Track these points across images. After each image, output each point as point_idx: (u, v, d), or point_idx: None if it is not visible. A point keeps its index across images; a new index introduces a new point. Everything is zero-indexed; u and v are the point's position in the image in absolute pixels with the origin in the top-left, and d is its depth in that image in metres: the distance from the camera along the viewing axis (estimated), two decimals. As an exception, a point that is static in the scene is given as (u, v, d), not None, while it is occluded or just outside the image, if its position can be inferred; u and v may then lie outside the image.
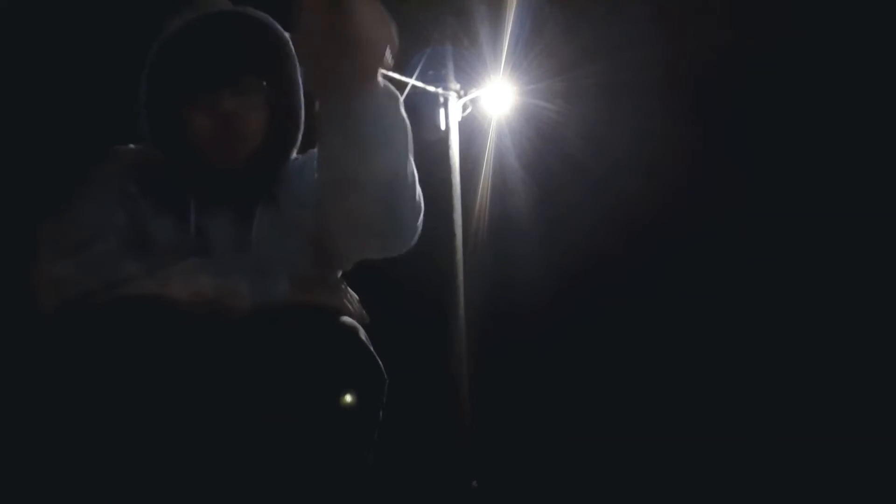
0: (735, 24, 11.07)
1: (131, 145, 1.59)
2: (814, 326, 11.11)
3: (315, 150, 1.50)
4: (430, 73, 8.68)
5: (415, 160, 1.48)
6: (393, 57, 1.35)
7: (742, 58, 11.44)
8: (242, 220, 1.50)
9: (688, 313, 11.88)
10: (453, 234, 8.68)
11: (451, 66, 8.80)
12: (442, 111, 8.79)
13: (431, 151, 8.83)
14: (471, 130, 9.21)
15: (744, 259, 12.11)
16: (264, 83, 1.50)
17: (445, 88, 8.76)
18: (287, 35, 1.53)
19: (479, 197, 9.46)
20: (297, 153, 1.61)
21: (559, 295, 12.29)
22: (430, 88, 8.66)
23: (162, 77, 1.47)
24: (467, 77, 8.92)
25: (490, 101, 9.09)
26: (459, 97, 8.87)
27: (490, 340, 10.47)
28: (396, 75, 8.27)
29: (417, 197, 1.47)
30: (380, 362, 1.55)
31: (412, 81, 8.35)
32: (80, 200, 1.49)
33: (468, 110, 9.02)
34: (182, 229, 1.47)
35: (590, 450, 10.90)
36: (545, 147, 10.71)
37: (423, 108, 8.71)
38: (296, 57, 1.51)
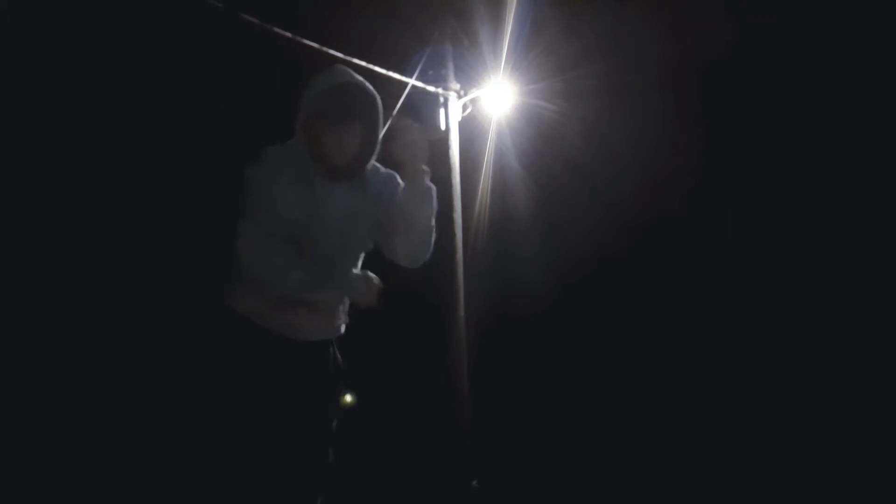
0: (735, 24, 11.08)
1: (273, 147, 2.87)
2: (813, 326, 11.12)
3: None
4: (430, 73, 8.67)
5: None
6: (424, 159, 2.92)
7: (742, 58, 11.45)
8: (347, 192, 2.87)
9: (687, 313, 11.89)
10: (453, 234, 8.68)
11: (451, 66, 8.80)
12: (442, 111, 8.79)
13: (431, 151, 8.82)
14: (471, 130, 9.21)
15: (743, 259, 12.12)
16: (361, 123, 2.84)
17: (445, 88, 8.76)
18: (376, 94, 2.83)
19: (479, 197, 9.47)
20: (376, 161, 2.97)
21: (559, 295, 12.30)
22: (430, 88, 8.66)
23: (312, 114, 2.80)
24: (467, 77, 8.92)
25: (490, 101, 9.09)
26: (459, 97, 8.87)
27: (490, 340, 10.47)
28: (397, 75, 8.27)
29: (434, 237, 2.94)
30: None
31: (412, 81, 8.35)
32: (257, 192, 2.78)
33: (468, 110, 9.02)
34: (310, 193, 2.80)
35: (589, 449, 10.91)
36: (545, 147, 10.72)
37: (423, 108, 8.72)
38: (380, 107, 2.85)
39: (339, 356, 2.92)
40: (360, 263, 2.96)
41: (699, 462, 10.03)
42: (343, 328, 2.94)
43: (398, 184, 2.94)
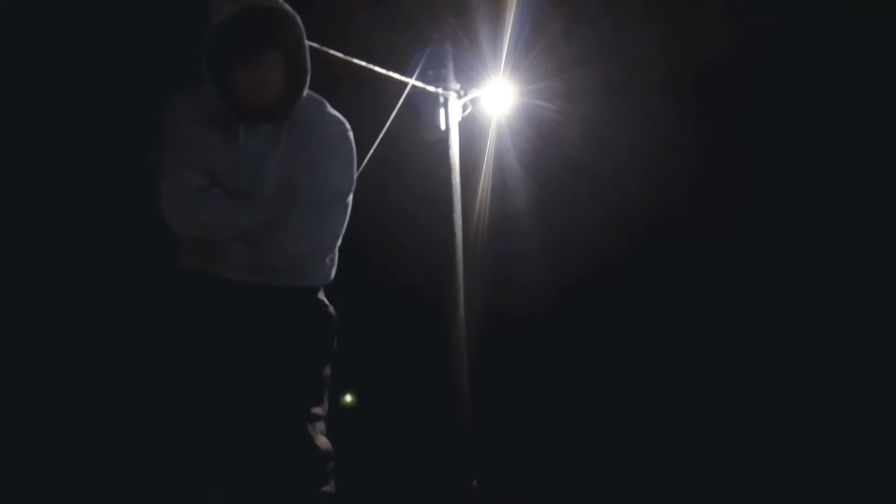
0: (735, 24, 11.08)
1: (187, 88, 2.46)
2: (813, 326, 11.12)
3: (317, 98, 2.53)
4: (430, 73, 8.67)
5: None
6: None
7: (742, 58, 11.44)
8: (272, 135, 2.42)
9: (687, 313, 11.88)
10: (453, 234, 8.68)
11: (451, 66, 8.80)
12: (442, 111, 8.78)
13: (431, 151, 8.83)
14: (471, 130, 9.21)
15: (743, 259, 12.11)
16: (280, 50, 2.36)
17: (445, 88, 8.76)
18: (294, 13, 2.36)
19: (479, 197, 9.46)
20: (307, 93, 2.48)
21: (559, 295, 12.30)
22: (430, 88, 8.66)
23: (217, 49, 2.33)
24: (467, 77, 8.92)
25: (490, 101, 9.09)
26: (459, 97, 8.87)
27: (490, 340, 10.47)
28: (397, 75, 8.27)
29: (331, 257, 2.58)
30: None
31: (412, 81, 8.35)
32: (169, 131, 2.38)
33: (468, 110, 9.02)
34: (233, 142, 2.38)
35: (589, 449, 10.91)
36: (545, 147, 10.71)
37: (423, 108, 8.71)
38: (302, 28, 2.38)
39: (325, 303, 2.54)
40: (307, 220, 2.45)
41: (699, 462, 10.03)
42: (326, 274, 2.53)
43: (335, 140, 2.47)
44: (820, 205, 11.75)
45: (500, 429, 10.64)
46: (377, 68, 7.97)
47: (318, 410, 2.45)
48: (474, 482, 8.41)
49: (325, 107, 2.53)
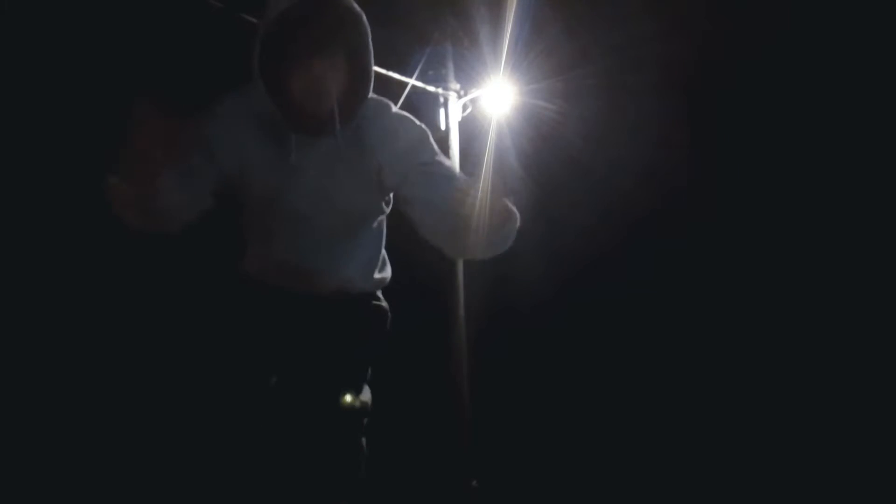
0: (735, 24, 11.07)
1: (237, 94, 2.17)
2: (811, 324, 11.12)
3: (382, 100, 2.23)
4: (430, 73, 8.68)
5: None
6: None
7: (741, 58, 11.44)
8: (330, 150, 2.10)
9: (688, 313, 11.88)
10: (453, 234, 8.66)
11: (451, 66, 8.80)
12: (442, 111, 8.79)
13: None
14: (471, 130, 9.21)
15: (743, 259, 12.11)
16: (343, 50, 2.05)
17: (445, 88, 8.76)
18: (360, 11, 2.06)
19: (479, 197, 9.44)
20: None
21: (559, 294, 12.29)
22: (430, 88, 8.66)
23: (271, 48, 2.00)
24: (467, 77, 8.92)
25: (490, 101, 9.08)
26: (459, 97, 8.87)
27: (490, 340, 10.47)
28: (397, 75, 8.27)
29: (508, 234, 2.22)
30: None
31: (412, 81, 8.35)
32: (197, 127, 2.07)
33: (468, 110, 9.02)
34: (284, 157, 2.07)
35: (589, 449, 10.90)
36: (545, 147, 10.71)
37: (423, 108, 8.72)
38: (368, 28, 2.07)
39: (379, 312, 2.34)
40: (365, 235, 2.30)
41: (699, 463, 10.03)
42: (380, 279, 2.34)
43: (413, 128, 2.20)
44: (819, 203, 11.75)
45: (500, 429, 10.63)
46: (377, 68, 7.96)
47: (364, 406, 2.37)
48: (474, 482, 8.41)
49: (390, 109, 2.23)
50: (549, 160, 11.15)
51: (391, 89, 8.27)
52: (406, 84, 8.28)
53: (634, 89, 11.67)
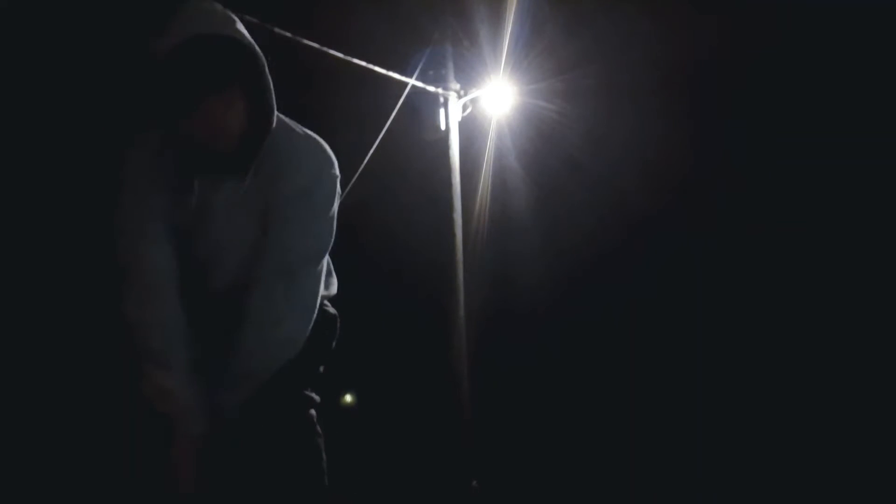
0: (733, 24, 11.08)
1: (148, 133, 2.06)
2: (811, 324, 11.12)
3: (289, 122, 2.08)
4: (430, 73, 8.68)
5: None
6: None
7: (741, 58, 11.45)
8: (234, 190, 2.01)
9: (688, 312, 11.89)
10: (453, 234, 8.68)
11: (451, 66, 8.80)
12: (442, 111, 8.79)
13: (431, 151, 8.84)
14: (471, 130, 9.21)
15: (743, 258, 12.12)
16: (238, 85, 1.93)
17: (445, 88, 8.76)
18: (251, 41, 1.94)
19: (479, 197, 9.47)
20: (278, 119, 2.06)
21: (559, 294, 12.30)
22: (430, 88, 8.66)
23: (161, 90, 1.91)
24: (467, 77, 8.92)
25: (490, 101, 9.09)
26: (459, 97, 8.87)
27: (490, 340, 10.47)
28: (397, 75, 8.27)
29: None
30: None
31: (412, 81, 8.35)
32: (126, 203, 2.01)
33: (468, 110, 9.02)
34: (186, 200, 1.99)
35: (589, 449, 10.90)
36: (545, 147, 10.71)
37: (423, 108, 8.71)
38: (262, 59, 1.95)
39: (326, 319, 2.20)
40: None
41: (699, 463, 10.03)
42: (324, 295, 2.18)
43: (310, 183, 2.01)
44: (819, 203, 11.76)
45: (500, 429, 10.63)
46: (377, 68, 7.97)
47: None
48: (474, 482, 8.41)
49: (294, 133, 2.07)
50: (549, 160, 11.16)
51: (391, 89, 8.28)
52: (406, 84, 8.28)
53: (634, 89, 11.68)
